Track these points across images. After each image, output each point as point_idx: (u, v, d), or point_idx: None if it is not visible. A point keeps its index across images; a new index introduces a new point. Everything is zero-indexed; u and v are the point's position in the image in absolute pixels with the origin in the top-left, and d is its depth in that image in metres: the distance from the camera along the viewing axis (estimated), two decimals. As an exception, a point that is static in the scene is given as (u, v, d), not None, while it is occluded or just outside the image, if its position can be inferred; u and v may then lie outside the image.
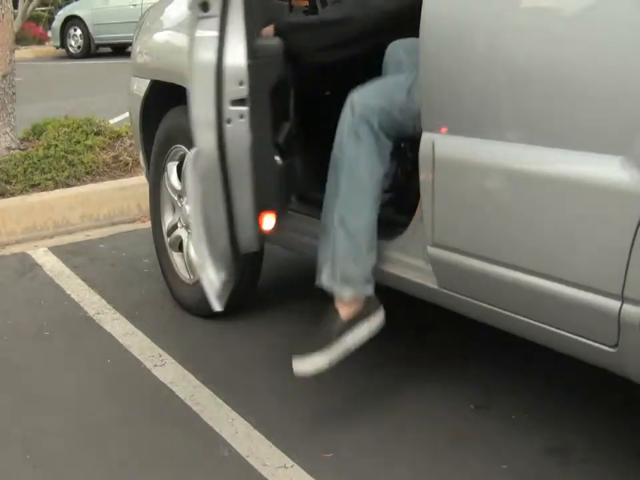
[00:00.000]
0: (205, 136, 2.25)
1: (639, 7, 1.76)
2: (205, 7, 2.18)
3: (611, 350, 1.91)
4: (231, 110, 2.19)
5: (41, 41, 17.78)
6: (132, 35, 3.92)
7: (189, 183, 2.30)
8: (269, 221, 2.41)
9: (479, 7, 2.12)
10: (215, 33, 2.18)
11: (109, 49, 15.99)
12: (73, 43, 15.80)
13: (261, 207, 2.35)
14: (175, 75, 3.03)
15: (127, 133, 5.31)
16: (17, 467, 2.44)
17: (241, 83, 2.18)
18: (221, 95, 2.19)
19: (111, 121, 6.25)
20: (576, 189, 1.90)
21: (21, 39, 14.53)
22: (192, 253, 3.37)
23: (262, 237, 2.45)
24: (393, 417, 2.60)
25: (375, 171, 2.29)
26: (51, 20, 16.90)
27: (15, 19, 6.40)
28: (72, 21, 15.67)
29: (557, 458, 2.35)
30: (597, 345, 1.94)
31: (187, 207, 2.88)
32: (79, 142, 5.11)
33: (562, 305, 1.98)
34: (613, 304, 1.85)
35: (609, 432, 2.44)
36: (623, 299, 1.84)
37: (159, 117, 3.34)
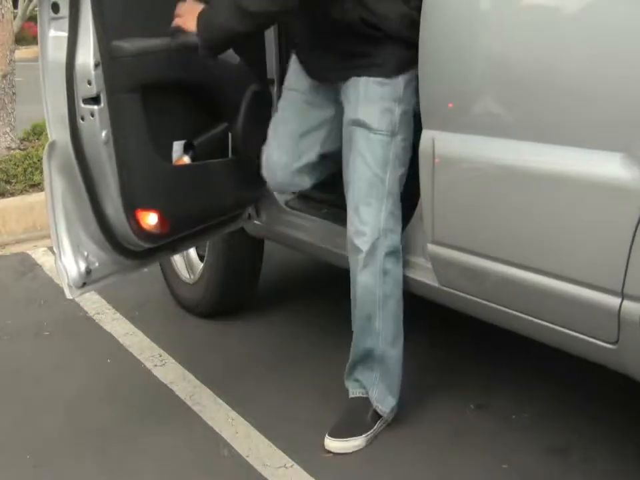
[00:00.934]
0: (59, 130, 2.33)
1: (639, 4, 1.76)
2: (55, 8, 2.25)
3: (611, 347, 1.91)
4: (82, 108, 2.27)
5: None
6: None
7: (44, 172, 2.36)
8: (151, 220, 2.43)
9: (479, 6, 2.12)
10: (66, 34, 2.26)
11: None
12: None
13: (133, 205, 2.38)
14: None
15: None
16: (17, 466, 2.44)
17: (89, 82, 2.25)
18: (73, 93, 2.27)
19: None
20: (576, 186, 1.90)
21: (20, 39, 14.51)
22: (191, 252, 3.38)
23: (148, 234, 2.46)
24: (393, 417, 2.59)
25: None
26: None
27: (14, 18, 6.40)
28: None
29: (557, 458, 2.34)
30: (597, 341, 1.94)
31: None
32: (78, 142, 5.11)
33: (562, 302, 1.98)
34: (613, 301, 1.85)
35: (609, 432, 2.44)
36: (623, 295, 1.83)
37: None
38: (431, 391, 2.72)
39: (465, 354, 2.95)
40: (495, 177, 2.09)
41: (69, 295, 2.40)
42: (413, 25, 2.21)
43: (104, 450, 2.50)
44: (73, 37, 2.24)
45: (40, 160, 4.87)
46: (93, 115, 2.26)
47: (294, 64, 2.56)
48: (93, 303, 3.60)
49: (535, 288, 2.03)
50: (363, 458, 2.39)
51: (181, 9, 2.32)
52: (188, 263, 3.41)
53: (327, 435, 2.44)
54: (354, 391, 2.53)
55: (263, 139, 2.62)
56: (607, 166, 1.82)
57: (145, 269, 3.85)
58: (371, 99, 2.33)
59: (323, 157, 2.56)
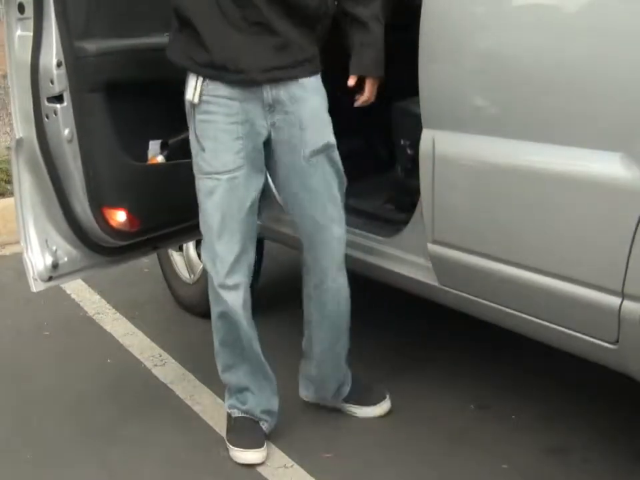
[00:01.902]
0: (26, 128, 2.38)
1: (639, 4, 1.76)
2: (21, 8, 2.30)
3: (612, 346, 1.91)
4: (46, 106, 2.32)
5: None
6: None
7: (12, 168, 2.41)
8: (119, 217, 2.46)
9: (478, 6, 2.12)
10: (31, 34, 2.30)
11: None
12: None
13: (99, 202, 2.41)
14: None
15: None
16: (17, 466, 2.44)
17: (52, 82, 2.29)
18: (39, 92, 2.32)
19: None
20: (576, 185, 1.90)
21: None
22: (191, 252, 3.39)
23: (118, 231, 2.48)
24: (393, 417, 2.60)
25: None
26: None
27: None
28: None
29: (557, 458, 2.34)
30: (597, 341, 1.94)
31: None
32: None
33: (562, 302, 1.98)
34: (614, 300, 1.85)
35: (609, 432, 2.44)
36: (623, 295, 1.83)
37: None
38: (431, 391, 2.72)
39: (464, 354, 2.95)
40: (495, 176, 2.10)
41: (33, 288, 2.44)
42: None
43: (104, 450, 2.50)
44: (37, 37, 2.28)
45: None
46: (56, 113, 2.31)
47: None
48: (92, 303, 3.61)
49: (535, 287, 2.03)
50: (363, 458, 2.39)
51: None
52: (188, 262, 3.41)
53: None
54: None
55: None
56: (607, 166, 1.82)
57: (146, 269, 3.91)
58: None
59: None
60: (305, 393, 2.66)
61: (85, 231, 2.47)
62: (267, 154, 2.30)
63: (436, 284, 2.35)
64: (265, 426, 2.46)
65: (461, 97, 2.16)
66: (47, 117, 2.33)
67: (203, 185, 2.26)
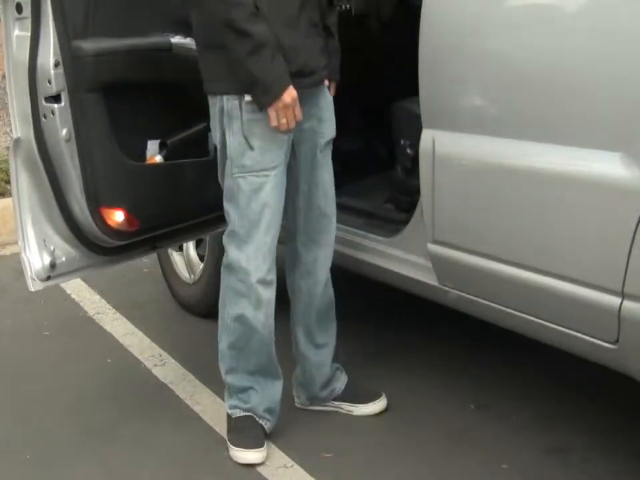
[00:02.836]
0: (24, 127, 2.38)
1: (639, 4, 1.76)
2: (19, 8, 2.31)
3: (612, 346, 1.91)
4: (44, 106, 2.33)
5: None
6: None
7: (10, 168, 2.41)
8: (117, 217, 2.46)
9: (479, 5, 2.12)
10: (29, 34, 2.31)
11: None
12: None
13: (96, 202, 2.41)
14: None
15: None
16: (17, 466, 2.44)
17: (49, 82, 2.30)
18: (36, 92, 2.32)
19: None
20: (576, 185, 1.90)
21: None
22: (191, 252, 3.39)
23: (116, 231, 2.48)
24: (393, 417, 2.60)
25: None
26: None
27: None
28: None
29: (557, 458, 2.34)
30: (597, 341, 1.94)
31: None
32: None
33: (562, 302, 1.98)
34: (613, 300, 1.85)
35: (609, 432, 2.44)
36: (623, 295, 1.83)
37: None
38: (431, 391, 2.72)
39: (464, 354, 2.95)
40: (495, 176, 2.10)
41: (31, 288, 2.44)
42: None
43: (104, 450, 2.50)
44: (34, 36, 2.29)
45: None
46: (53, 113, 2.31)
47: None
48: (92, 303, 3.61)
49: (535, 287, 2.03)
50: (363, 458, 2.39)
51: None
52: (188, 262, 3.41)
53: None
54: None
55: None
56: (607, 166, 1.82)
57: (146, 269, 3.91)
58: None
59: None
60: (298, 401, 2.66)
61: (83, 231, 2.47)
62: None
63: (436, 284, 2.35)
64: (267, 425, 2.46)
65: (461, 97, 2.16)
66: (45, 117, 2.33)
67: (246, 182, 2.24)
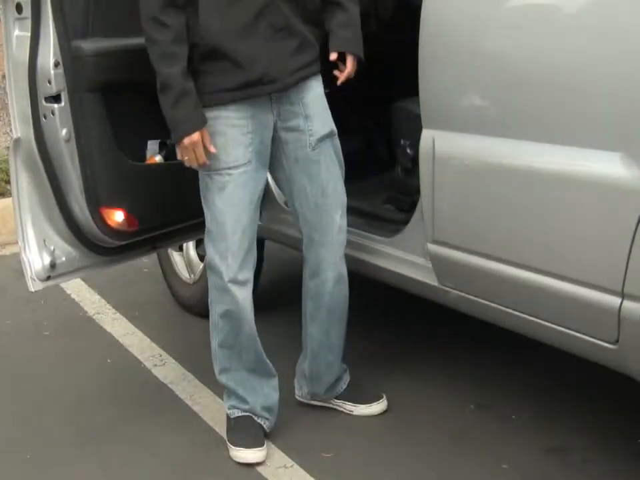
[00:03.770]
0: (23, 127, 2.39)
1: (638, 4, 1.76)
2: (19, 8, 2.31)
3: (612, 346, 1.91)
4: (44, 106, 2.33)
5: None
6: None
7: (10, 168, 2.41)
8: (117, 217, 2.47)
9: (477, 6, 2.12)
10: (29, 34, 2.31)
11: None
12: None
13: (96, 202, 2.42)
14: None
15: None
16: (17, 466, 2.44)
17: (49, 82, 2.30)
18: (36, 92, 2.33)
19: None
20: (576, 185, 1.90)
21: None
22: (191, 252, 3.39)
23: (116, 231, 2.49)
24: (393, 417, 2.60)
25: None
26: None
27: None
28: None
29: (557, 458, 2.34)
30: (597, 341, 1.94)
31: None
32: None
33: (562, 302, 1.98)
34: (613, 300, 1.85)
35: (609, 432, 2.44)
36: (623, 295, 1.83)
37: None
38: (431, 391, 2.72)
39: (464, 354, 2.95)
40: (495, 176, 2.09)
41: (31, 288, 2.45)
42: None
43: (104, 450, 2.50)
44: (34, 37, 2.29)
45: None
46: (53, 113, 2.31)
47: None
48: (92, 303, 3.61)
49: (535, 287, 2.03)
50: (363, 458, 2.39)
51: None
52: (188, 262, 3.41)
53: None
54: None
55: None
56: (607, 166, 1.82)
57: (145, 269, 3.91)
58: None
59: None
60: (299, 393, 2.67)
61: (83, 231, 2.47)
62: (273, 148, 2.32)
63: (436, 284, 2.35)
64: (265, 424, 2.46)
65: (461, 97, 2.16)
66: (45, 117, 2.33)
67: (212, 181, 2.27)
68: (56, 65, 2.28)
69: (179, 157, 2.24)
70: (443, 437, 2.47)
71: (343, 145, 2.44)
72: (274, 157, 2.34)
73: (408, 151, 2.64)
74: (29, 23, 2.29)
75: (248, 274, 2.34)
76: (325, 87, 2.38)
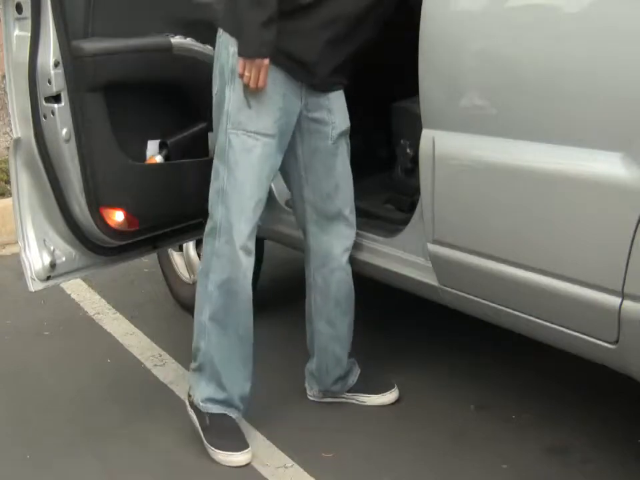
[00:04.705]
0: (23, 127, 2.39)
1: (639, 4, 1.76)
2: (19, 8, 2.31)
3: (612, 346, 1.91)
4: (44, 106, 2.33)
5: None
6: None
7: (10, 168, 2.42)
8: (117, 217, 2.47)
9: (478, 6, 2.12)
10: (29, 34, 2.31)
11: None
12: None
13: (96, 202, 2.42)
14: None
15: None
16: (17, 466, 2.44)
17: (49, 82, 2.30)
18: (36, 92, 2.33)
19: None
20: (576, 185, 1.89)
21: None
22: (191, 252, 3.39)
23: (116, 231, 2.49)
24: (393, 417, 2.60)
25: None
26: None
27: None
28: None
29: (557, 458, 2.34)
30: (597, 341, 1.94)
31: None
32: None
33: (562, 302, 1.98)
34: (614, 300, 1.85)
35: (609, 432, 2.44)
36: (623, 295, 1.83)
37: None
38: (431, 391, 2.72)
39: (464, 354, 2.95)
40: (495, 176, 2.09)
41: (31, 288, 2.45)
42: None
43: (104, 450, 2.50)
44: (34, 36, 2.29)
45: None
46: (53, 113, 2.31)
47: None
48: (92, 303, 3.61)
49: (535, 287, 2.03)
50: (363, 458, 2.39)
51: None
52: (188, 262, 3.41)
53: None
54: None
55: None
56: (607, 166, 1.82)
57: (146, 269, 3.91)
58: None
59: None
60: (310, 393, 2.69)
61: (83, 231, 2.47)
62: (293, 137, 2.35)
63: (436, 284, 2.35)
64: (238, 416, 2.44)
65: (461, 97, 2.15)
66: (45, 117, 2.33)
67: (239, 140, 2.25)
68: (56, 64, 2.28)
69: (239, 70, 2.17)
70: (443, 437, 2.47)
71: (343, 144, 2.44)
72: (293, 148, 2.37)
73: (408, 150, 2.65)
74: (28, 22, 2.29)
75: (253, 245, 2.34)
76: None
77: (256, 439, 2.49)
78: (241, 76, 2.17)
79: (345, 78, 2.37)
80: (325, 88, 2.34)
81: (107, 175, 2.42)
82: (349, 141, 2.45)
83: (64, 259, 2.48)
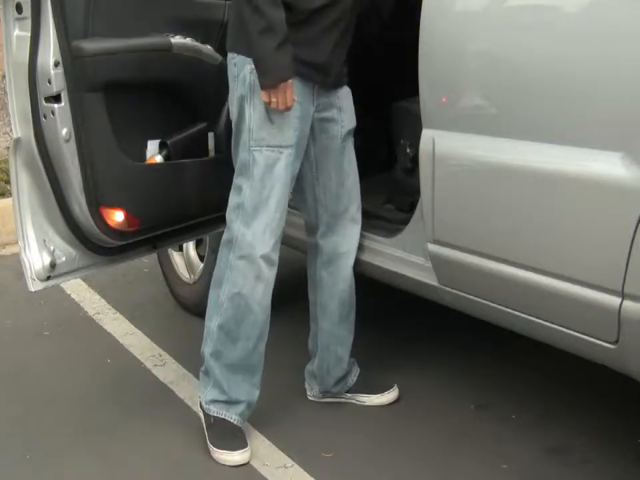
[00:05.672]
0: (23, 127, 2.39)
1: (638, 5, 1.76)
2: (19, 8, 2.31)
3: (612, 346, 1.91)
4: (44, 106, 2.33)
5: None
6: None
7: (10, 168, 2.42)
8: (117, 217, 2.47)
9: (478, 7, 2.12)
10: (29, 34, 2.31)
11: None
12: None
13: (96, 202, 2.42)
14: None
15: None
16: (17, 466, 2.44)
17: (49, 81, 2.30)
18: (36, 92, 2.33)
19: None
20: (576, 185, 1.89)
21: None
22: (191, 252, 3.39)
23: (116, 231, 2.49)
24: (393, 417, 2.60)
25: None
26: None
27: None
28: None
29: (557, 458, 2.34)
30: (597, 341, 1.94)
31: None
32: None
33: (562, 302, 1.98)
34: (613, 300, 1.85)
35: (608, 432, 2.44)
36: (623, 295, 1.83)
37: None
38: (431, 391, 2.72)
39: (465, 354, 2.95)
40: (495, 176, 2.09)
41: (31, 288, 2.45)
42: None
43: (104, 450, 2.50)
44: (34, 36, 2.29)
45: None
46: (54, 113, 2.31)
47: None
48: (92, 303, 3.61)
49: (535, 287, 2.03)
50: (363, 458, 2.39)
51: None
52: (188, 262, 3.41)
53: None
54: None
55: None
56: (607, 166, 1.82)
57: (146, 269, 3.91)
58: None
59: None
60: (310, 393, 2.70)
61: (83, 231, 2.47)
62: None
63: (436, 284, 2.35)
64: (239, 419, 2.44)
65: (461, 97, 2.15)
66: (45, 117, 2.33)
67: (262, 156, 2.27)
68: (56, 64, 2.28)
69: (264, 99, 2.19)
70: (443, 436, 2.48)
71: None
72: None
73: (408, 150, 2.65)
74: (28, 22, 2.29)
75: (277, 256, 2.35)
76: None
77: (256, 438, 2.50)
78: (269, 103, 2.18)
79: (347, 68, 2.40)
80: (337, 84, 2.37)
81: (107, 175, 2.42)
82: (353, 139, 2.48)
83: (64, 258, 2.48)
